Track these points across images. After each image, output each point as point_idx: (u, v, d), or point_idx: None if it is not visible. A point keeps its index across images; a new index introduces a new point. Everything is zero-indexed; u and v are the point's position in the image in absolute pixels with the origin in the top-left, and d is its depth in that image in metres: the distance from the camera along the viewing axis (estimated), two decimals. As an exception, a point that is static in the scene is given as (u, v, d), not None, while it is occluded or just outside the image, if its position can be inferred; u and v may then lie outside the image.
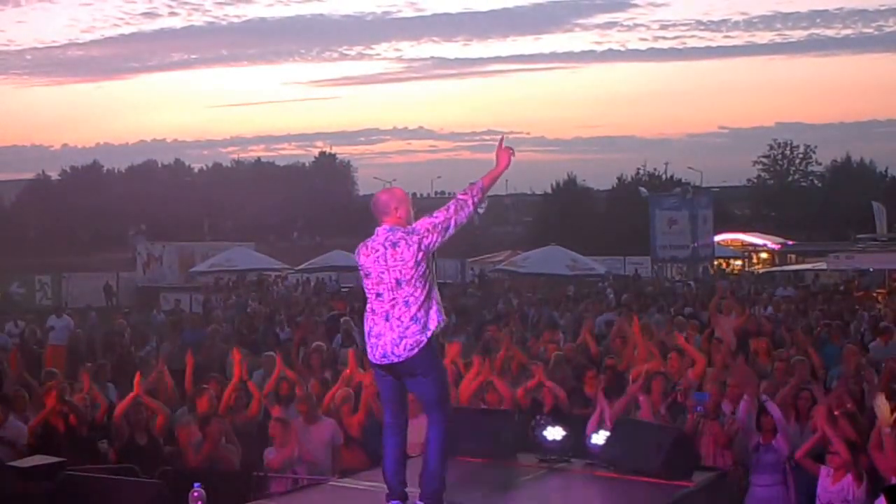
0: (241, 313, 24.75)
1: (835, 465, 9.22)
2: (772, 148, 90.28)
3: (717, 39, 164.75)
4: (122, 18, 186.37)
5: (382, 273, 6.84)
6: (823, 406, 9.70)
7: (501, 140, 7.06)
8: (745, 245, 65.46)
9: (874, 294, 32.45)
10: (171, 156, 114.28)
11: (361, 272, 7.02)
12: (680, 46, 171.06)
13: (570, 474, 8.45)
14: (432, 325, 6.85)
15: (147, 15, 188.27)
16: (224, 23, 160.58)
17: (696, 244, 44.44)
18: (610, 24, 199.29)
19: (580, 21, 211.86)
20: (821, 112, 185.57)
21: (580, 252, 42.80)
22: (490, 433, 8.81)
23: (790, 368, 12.14)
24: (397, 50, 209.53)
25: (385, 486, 7.17)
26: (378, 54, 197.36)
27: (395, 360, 6.83)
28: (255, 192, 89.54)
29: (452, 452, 7.39)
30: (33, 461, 8.99)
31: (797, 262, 58.05)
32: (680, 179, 74.58)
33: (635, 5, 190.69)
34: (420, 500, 7.03)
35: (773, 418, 10.10)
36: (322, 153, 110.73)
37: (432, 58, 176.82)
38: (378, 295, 6.89)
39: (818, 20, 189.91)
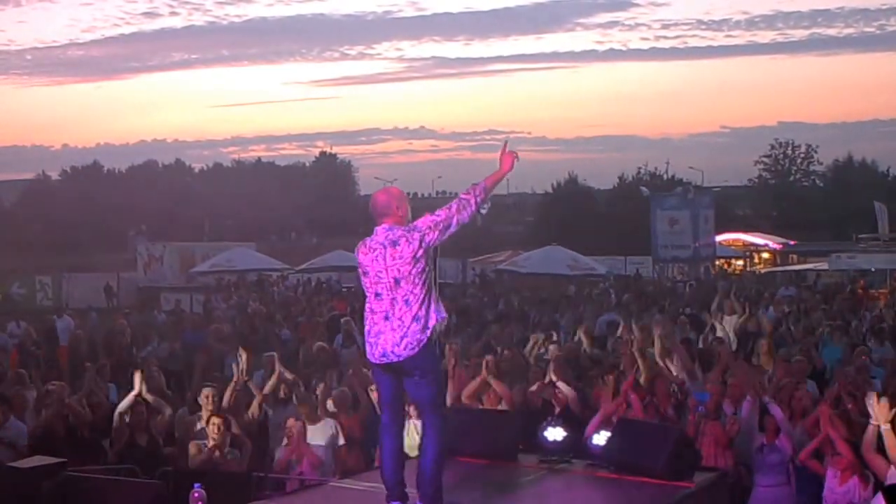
0: (241, 314, 24.71)
1: (840, 467, 9.19)
2: (773, 147, 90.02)
3: (719, 39, 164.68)
4: (122, 18, 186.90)
5: (381, 272, 6.82)
6: (826, 407, 9.68)
7: (505, 144, 7.09)
8: (746, 245, 65.21)
9: (876, 294, 32.43)
10: (171, 156, 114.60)
11: (360, 271, 7.00)
12: (681, 46, 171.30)
13: (571, 475, 8.43)
14: (432, 323, 6.84)
15: (148, 15, 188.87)
16: (225, 22, 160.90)
17: (697, 244, 44.34)
18: (611, 24, 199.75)
19: (581, 20, 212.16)
20: (823, 111, 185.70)
21: (581, 252, 42.74)
22: (490, 434, 8.79)
23: (791, 369, 12.13)
24: (398, 49, 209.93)
25: (384, 486, 7.15)
26: (379, 54, 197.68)
27: (395, 359, 6.81)
28: (256, 193, 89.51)
29: (452, 453, 7.39)
30: (34, 462, 8.99)
31: (799, 263, 57.90)
32: (681, 179, 74.46)
33: (637, 5, 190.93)
34: (420, 501, 7.00)
35: (776, 419, 10.09)
36: (323, 153, 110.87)
37: (433, 57, 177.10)
38: (377, 294, 6.88)
39: (820, 19, 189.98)
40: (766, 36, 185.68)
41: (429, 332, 6.81)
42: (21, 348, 19.43)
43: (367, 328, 6.99)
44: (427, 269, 6.84)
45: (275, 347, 16.05)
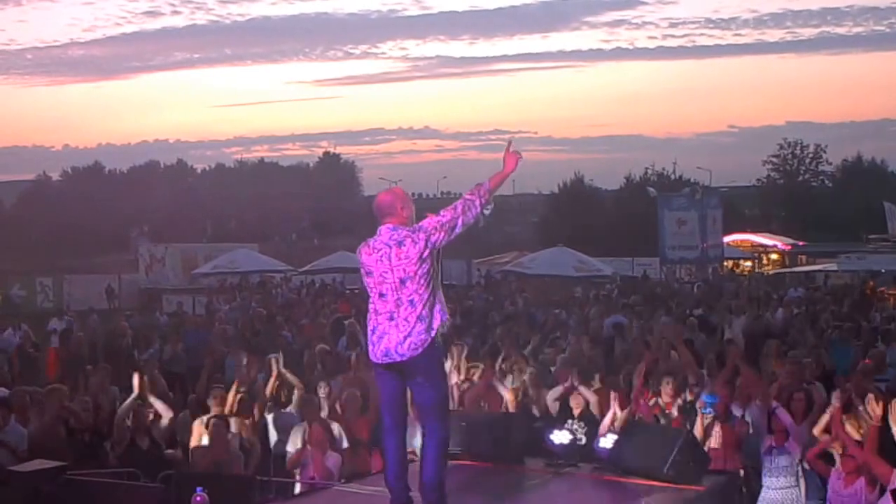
0: (244, 316, 24.64)
1: (847, 469, 9.11)
2: (782, 147, 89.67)
3: (727, 37, 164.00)
4: (124, 17, 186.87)
5: (386, 272, 6.78)
6: (837, 407, 9.61)
7: (509, 144, 7.06)
8: (754, 246, 65.02)
9: (886, 295, 32.25)
10: (173, 156, 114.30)
11: (363, 271, 6.96)
12: (689, 45, 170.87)
13: (578, 478, 8.37)
14: (436, 324, 6.80)
15: (149, 14, 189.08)
16: (227, 21, 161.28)
17: (705, 245, 44.12)
18: (618, 22, 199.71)
19: (588, 19, 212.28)
20: (832, 111, 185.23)
21: (587, 253, 42.56)
22: (496, 437, 8.72)
23: (800, 371, 12.05)
24: (403, 49, 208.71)
25: (388, 491, 7.08)
26: (383, 53, 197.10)
27: (399, 358, 6.77)
28: (259, 193, 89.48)
29: (456, 457, 7.31)
30: (34, 465, 8.91)
31: (808, 264, 57.62)
32: (689, 179, 74.31)
33: (644, 3, 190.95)
34: None
35: (783, 423, 10.01)
36: (326, 153, 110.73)
37: (438, 56, 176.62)
38: (381, 295, 6.83)
39: (829, 18, 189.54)
40: (774, 35, 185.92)
41: (433, 332, 6.77)
42: (20, 351, 19.35)
43: (370, 328, 6.94)
44: (432, 269, 6.80)
45: (277, 350, 15.98)
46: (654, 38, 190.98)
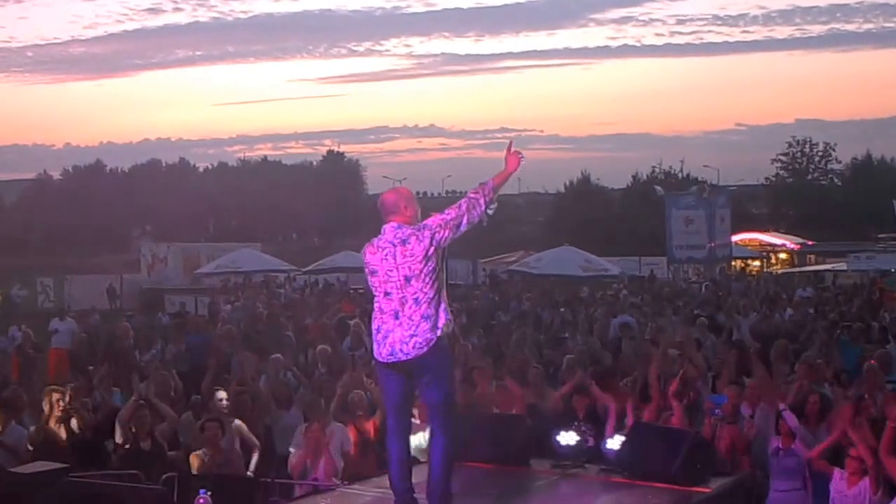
0: (247, 315, 24.57)
1: (851, 469, 9.02)
2: (790, 145, 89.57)
3: (735, 34, 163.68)
4: (125, 14, 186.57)
5: (391, 271, 6.75)
6: (848, 407, 9.53)
7: (510, 144, 7.11)
8: (763, 245, 64.98)
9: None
10: (175, 155, 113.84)
11: (367, 270, 6.93)
12: (697, 42, 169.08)
13: (585, 480, 8.32)
14: (441, 323, 6.77)
15: (151, 11, 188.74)
16: (230, 18, 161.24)
17: (713, 244, 44.08)
18: (625, 19, 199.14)
19: (594, 16, 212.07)
20: (841, 108, 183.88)
21: (594, 252, 42.56)
22: (502, 438, 8.65)
23: (811, 372, 11.96)
24: (407, 46, 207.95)
25: (392, 492, 7.02)
26: (387, 50, 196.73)
27: (404, 357, 6.73)
28: (262, 192, 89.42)
29: (462, 458, 7.24)
30: (35, 467, 8.86)
31: (817, 263, 57.56)
32: (696, 178, 73.94)
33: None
34: None
35: (790, 426, 9.92)
36: (330, 151, 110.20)
37: (443, 54, 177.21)
38: (386, 293, 6.80)
39: (838, 14, 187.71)
40: (783, 31, 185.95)
41: (438, 331, 6.75)
42: (20, 352, 19.29)
43: (374, 327, 6.92)
44: (437, 268, 6.79)
45: (281, 350, 15.92)
46: (662, 35, 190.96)
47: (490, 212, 6.88)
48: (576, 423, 9.07)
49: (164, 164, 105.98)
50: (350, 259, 39.94)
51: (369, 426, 11.31)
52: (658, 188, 55.80)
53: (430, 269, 6.72)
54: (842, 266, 45.02)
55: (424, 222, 6.83)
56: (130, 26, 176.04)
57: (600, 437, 8.88)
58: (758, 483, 9.95)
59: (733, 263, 50.40)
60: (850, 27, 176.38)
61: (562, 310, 24.18)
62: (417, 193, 7.25)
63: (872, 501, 8.87)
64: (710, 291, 30.86)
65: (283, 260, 47.68)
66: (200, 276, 45.24)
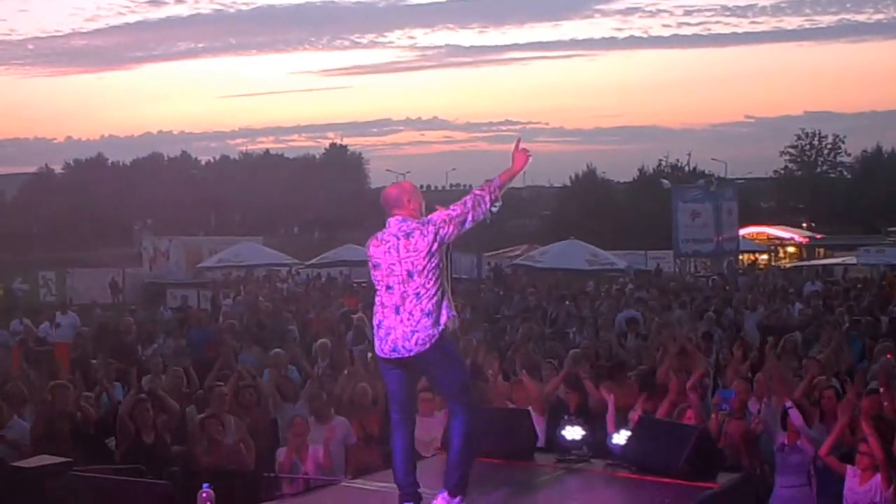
0: (249, 310, 24.55)
1: (863, 466, 8.98)
2: (799, 138, 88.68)
3: (744, 25, 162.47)
4: (126, 7, 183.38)
5: (394, 264, 6.72)
6: (850, 402, 9.49)
7: (518, 142, 7.07)
8: (771, 239, 64.71)
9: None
10: (177, 148, 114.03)
11: (370, 263, 6.90)
12: (704, 33, 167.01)
13: (590, 475, 8.27)
14: (444, 320, 6.73)
15: (152, 3, 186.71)
16: (232, 10, 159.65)
17: (720, 238, 43.92)
18: (631, 10, 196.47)
19: (600, 7, 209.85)
20: (851, 100, 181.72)
21: (600, 246, 42.44)
22: (506, 432, 8.60)
23: (821, 366, 11.91)
24: (411, 38, 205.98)
25: (396, 486, 6.99)
26: (391, 42, 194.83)
27: (406, 354, 6.70)
28: (264, 185, 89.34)
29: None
30: (38, 461, 8.87)
31: (826, 257, 57.29)
32: (703, 171, 72.91)
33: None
34: (445, 488, 6.88)
35: (794, 425, 9.87)
36: (333, 144, 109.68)
37: (447, 45, 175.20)
38: (388, 287, 6.77)
39: (849, 4, 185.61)
40: (792, 22, 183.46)
41: (441, 327, 6.70)
42: (22, 346, 19.27)
43: (376, 322, 6.88)
44: (441, 264, 6.75)
45: (285, 344, 15.89)
46: (669, 25, 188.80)
47: (495, 209, 6.84)
48: (565, 417, 9.01)
49: (165, 158, 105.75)
50: (353, 252, 39.85)
51: (372, 420, 11.29)
52: (665, 181, 55.66)
53: (433, 265, 6.68)
54: (851, 260, 44.78)
55: (429, 217, 6.80)
56: (132, 18, 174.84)
57: (591, 431, 8.80)
58: (765, 479, 9.93)
59: (742, 257, 50.19)
60: (860, 17, 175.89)
61: (567, 303, 24.16)
62: (421, 187, 7.22)
63: (885, 497, 8.84)
64: (717, 286, 30.79)
65: (286, 253, 47.64)
66: (202, 270, 45.15)
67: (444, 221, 6.71)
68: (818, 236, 64.61)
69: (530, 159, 7.00)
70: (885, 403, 10.05)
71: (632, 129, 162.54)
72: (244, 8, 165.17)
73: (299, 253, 49.88)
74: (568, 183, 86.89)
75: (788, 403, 10.07)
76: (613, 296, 26.49)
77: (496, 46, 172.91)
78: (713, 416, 10.24)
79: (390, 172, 78.39)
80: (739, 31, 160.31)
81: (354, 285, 32.68)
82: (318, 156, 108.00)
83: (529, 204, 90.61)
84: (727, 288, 28.83)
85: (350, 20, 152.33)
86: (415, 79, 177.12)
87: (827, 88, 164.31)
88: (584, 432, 8.53)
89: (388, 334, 6.73)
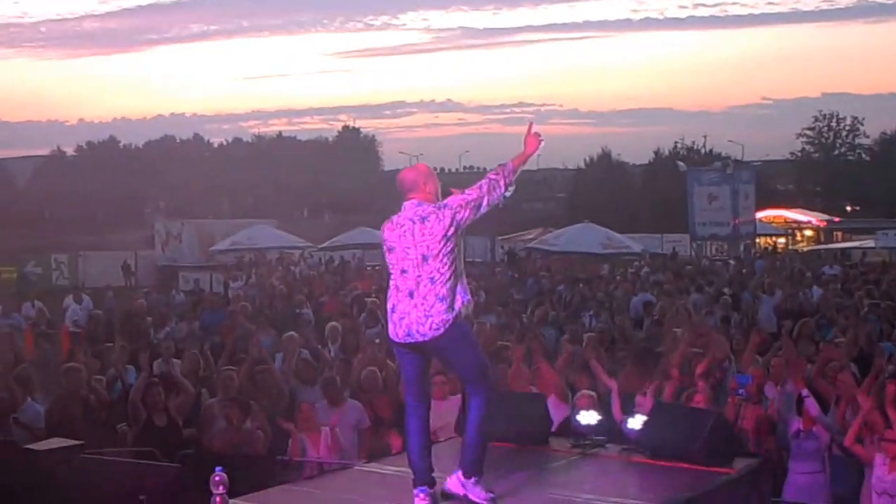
0: (262, 292, 24.54)
1: (892, 454, 8.85)
2: (817, 120, 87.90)
3: (761, 6, 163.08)
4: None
5: (408, 248, 6.68)
6: (866, 389, 9.41)
7: (530, 126, 7.01)
8: (788, 222, 64.43)
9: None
10: (189, 130, 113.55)
11: (385, 247, 6.85)
12: (721, 14, 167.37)
13: (605, 460, 8.19)
14: (458, 305, 6.67)
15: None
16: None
17: (736, 221, 43.76)
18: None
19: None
20: (869, 82, 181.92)
21: (615, 229, 42.38)
22: (520, 417, 8.55)
23: (839, 351, 11.83)
24: (424, 20, 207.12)
25: (411, 470, 6.94)
26: (404, 24, 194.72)
27: (421, 339, 6.66)
28: (277, 168, 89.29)
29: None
30: (51, 444, 8.88)
31: (844, 240, 57.02)
32: (720, 153, 73.17)
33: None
34: (459, 468, 6.86)
35: (810, 413, 9.79)
36: (346, 127, 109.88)
37: (461, 27, 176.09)
38: (403, 271, 6.73)
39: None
40: (810, 3, 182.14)
41: (455, 312, 6.65)
42: (35, 329, 19.30)
43: (389, 306, 6.83)
44: (456, 248, 6.70)
45: (298, 327, 15.87)
46: (685, 7, 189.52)
47: (508, 193, 6.79)
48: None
49: (178, 140, 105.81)
50: (366, 235, 39.87)
51: (383, 404, 11.26)
52: (681, 164, 55.17)
53: (449, 249, 6.64)
54: (869, 243, 44.50)
55: (445, 201, 6.75)
56: (144, 1, 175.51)
57: (607, 416, 8.75)
58: (782, 464, 9.87)
59: (759, 241, 49.93)
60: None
61: (580, 286, 24.08)
62: (434, 169, 7.16)
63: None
64: (734, 269, 30.67)
65: (299, 236, 47.64)
66: (215, 253, 45.17)
67: (461, 206, 6.67)
68: (836, 219, 64.21)
69: (542, 142, 6.94)
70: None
71: (647, 111, 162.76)
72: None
73: (312, 236, 49.88)
74: (582, 165, 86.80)
75: (805, 392, 9.99)
76: (629, 279, 26.40)
77: (510, 28, 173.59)
78: (730, 400, 10.16)
79: (403, 155, 78.62)
80: (756, 12, 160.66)
81: (367, 268, 32.67)
82: (330, 138, 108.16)
83: (544, 187, 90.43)
84: (744, 272, 28.71)
85: (363, 2, 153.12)
86: (428, 61, 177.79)
87: (845, 70, 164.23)
88: (599, 417, 8.47)
89: (403, 319, 6.69)
